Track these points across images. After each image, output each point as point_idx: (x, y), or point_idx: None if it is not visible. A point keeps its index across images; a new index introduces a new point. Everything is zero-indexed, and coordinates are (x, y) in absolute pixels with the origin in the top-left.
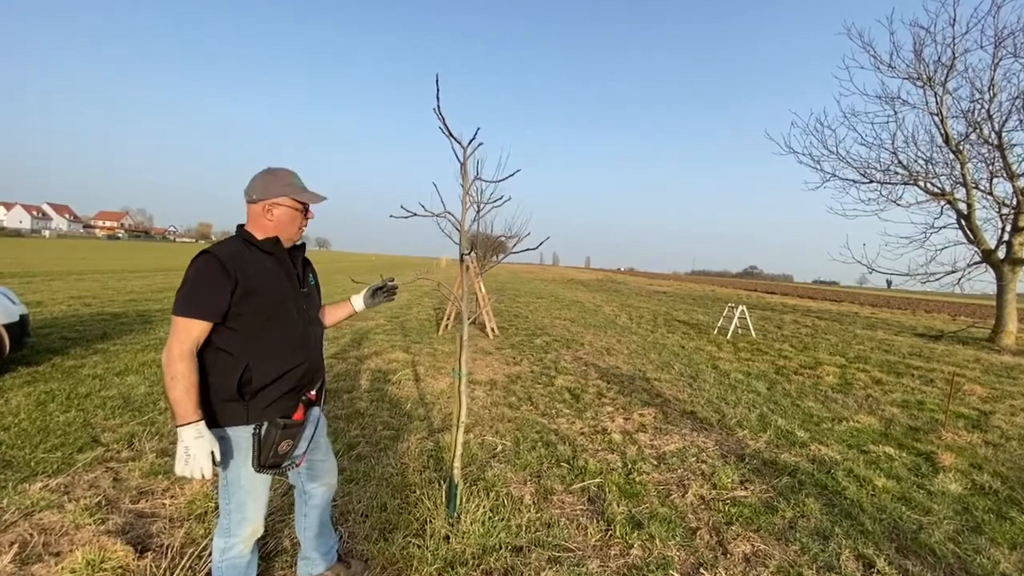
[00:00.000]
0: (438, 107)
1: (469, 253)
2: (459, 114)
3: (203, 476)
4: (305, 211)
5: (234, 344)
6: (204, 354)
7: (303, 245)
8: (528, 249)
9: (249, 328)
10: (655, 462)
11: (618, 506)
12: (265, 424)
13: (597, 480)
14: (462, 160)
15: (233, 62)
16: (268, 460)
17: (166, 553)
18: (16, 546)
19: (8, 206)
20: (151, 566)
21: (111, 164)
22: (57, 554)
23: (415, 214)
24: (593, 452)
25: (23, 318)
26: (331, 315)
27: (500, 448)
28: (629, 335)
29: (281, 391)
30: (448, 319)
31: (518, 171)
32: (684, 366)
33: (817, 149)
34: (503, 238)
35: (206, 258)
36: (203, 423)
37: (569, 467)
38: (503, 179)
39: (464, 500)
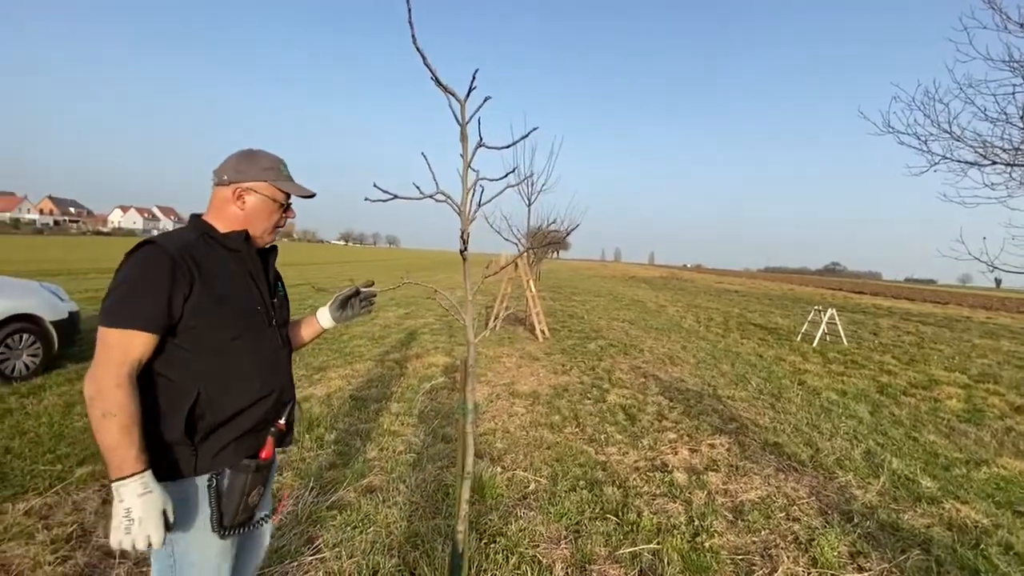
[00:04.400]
0: (414, 40)
1: (466, 248)
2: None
3: (151, 546)
4: (286, 207)
5: (181, 368)
6: (138, 381)
7: (275, 248)
8: (557, 243)
9: (205, 347)
10: (730, 517)
11: None
12: (227, 471)
13: (653, 545)
14: (461, 121)
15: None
16: (237, 518)
17: None
18: None
19: (124, 209)
20: None
21: (209, 165)
22: None
23: (396, 196)
24: (649, 498)
25: (72, 315)
26: (295, 335)
27: (533, 487)
28: (696, 340)
29: (242, 429)
30: (496, 319)
31: (536, 129)
32: (763, 380)
33: (924, 127)
34: (551, 231)
35: (150, 251)
36: (150, 474)
37: (617, 520)
38: (511, 144)
39: (475, 570)
